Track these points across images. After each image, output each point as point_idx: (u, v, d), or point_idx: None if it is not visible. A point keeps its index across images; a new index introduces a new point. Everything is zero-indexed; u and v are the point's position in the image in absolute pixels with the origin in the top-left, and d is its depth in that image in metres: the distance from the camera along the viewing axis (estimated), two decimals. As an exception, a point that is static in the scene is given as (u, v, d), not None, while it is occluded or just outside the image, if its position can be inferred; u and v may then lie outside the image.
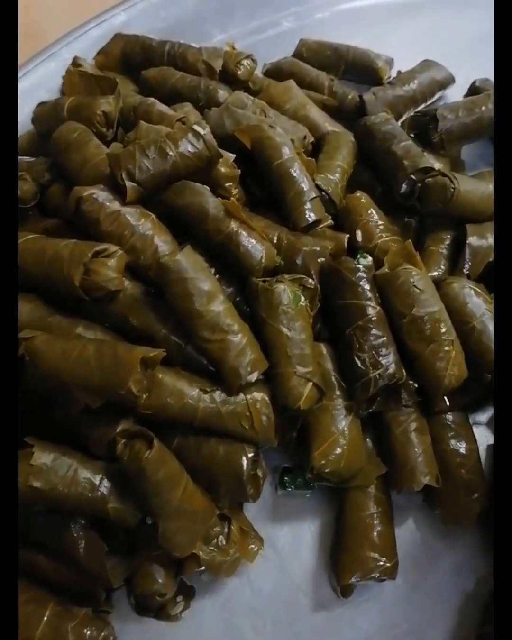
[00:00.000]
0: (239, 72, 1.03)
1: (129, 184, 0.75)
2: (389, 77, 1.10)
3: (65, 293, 0.72)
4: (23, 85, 1.11)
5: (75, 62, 1.12)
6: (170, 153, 0.76)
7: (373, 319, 0.70)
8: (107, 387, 0.63)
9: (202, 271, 0.70)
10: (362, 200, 0.84)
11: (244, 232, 0.75)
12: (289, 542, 0.72)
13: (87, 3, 1.33)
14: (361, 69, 1.10)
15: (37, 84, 1.11)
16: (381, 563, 0.65)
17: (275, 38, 1.23)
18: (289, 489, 0.72)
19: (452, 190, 0.81)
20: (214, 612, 0.69)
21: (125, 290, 0.72)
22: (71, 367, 0.64)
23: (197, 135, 0.78)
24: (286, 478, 0.73)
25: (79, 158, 0.82)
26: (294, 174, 0.82)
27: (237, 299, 0.75)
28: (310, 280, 0.74)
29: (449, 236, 0.84)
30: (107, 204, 0.74)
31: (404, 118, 1.01)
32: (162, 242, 0.75)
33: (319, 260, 0.76)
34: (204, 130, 0.79)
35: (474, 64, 1.03)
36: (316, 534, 0.72)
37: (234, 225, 0.75)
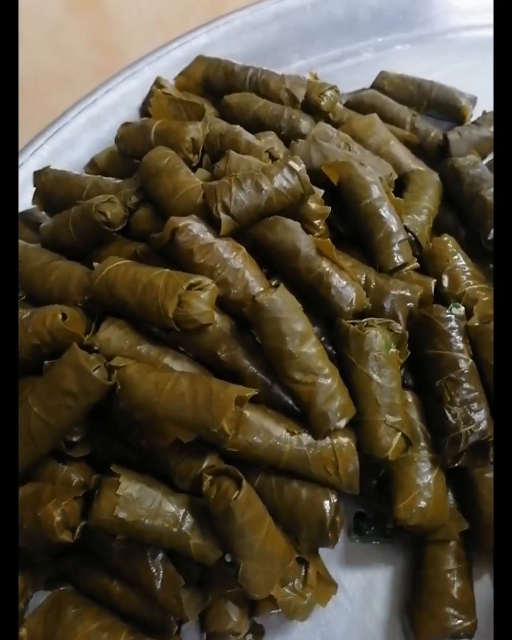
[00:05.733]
0: (322, 103, 1.04)
1: (224, 217, 0.75)
2: (471, 116, 1.09)
3: (155, 322, 0.73)
4: (105, 101, 1.13)
5: (158, 83, 1.14)
6: (266, 188, 0.77)
7: (465, 372, 0.69)
8: (201, 424, 0.63)
9: (296, 311, 0.70)
10: (448, 244, 0.84)
11: (335, 273, 0.74)
12: (361, 589, 0.71)
13: (168, 23, 1.35)
14: (443, 107, 1.10)
15: (119, 102, 1.13)
16: (461, 622, 0.64)
17: (353, 67, 1.23)
18: (365, 535, 0.72)
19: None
20: (283, 654, 0.69)
21: (214, 324, 0.72)
22: (164, 400, 0.65)
23: (292, 171, 0.78)
24: (361, 524, 0.72)
25: (169, 185, 0.82)
26: (383, 215, 0.82)
27: (323, 339, 0.75)
28: (398, 325, 0.73)
29: (537, 286, 0.83)
30: (201, 235, 0.75)
31: (487, 160, 1.01)
32: (253, 277, 0.75)
33: (408, 305, 0.76)
34: (299, 166, 0.79)
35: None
36: (388, 583, 0.71)
37: (325, 265, 0.75)
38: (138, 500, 0.64)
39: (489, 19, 1.23)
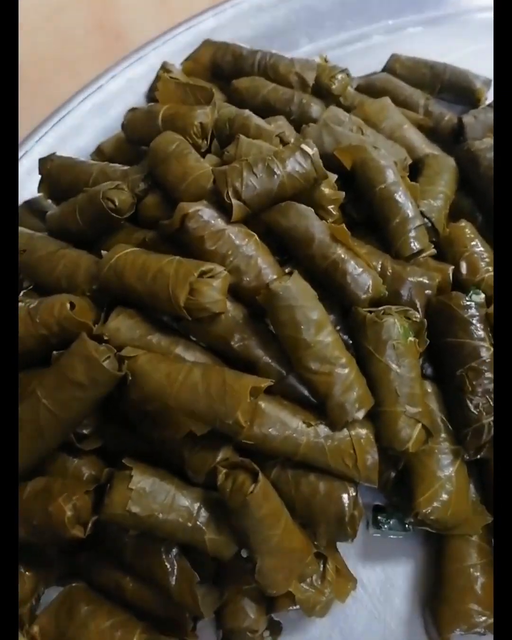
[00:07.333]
0: (333, 87, 1.01)
1: (235, 202, 0.73)
2: (486, 99, 1.06)
3: (165, 311, 0.70)
4: (110, 87, 1.10)
5: (165, 68, 1.11)
6: (278, 172, 0.74)
7: (487, 360, 0.67)
8: (214, 415, 0.61)
9: (311, 299, 0.67)
10: (466, 229, 0.81)
11: (351, 260, 0.72)
12: (381, 584, 0.69)
13: (173, 6, 1.32)
14: (457, 90, 1.06)
15: (126, 86, 1.11)
16: (485, 618, 0.62)
17: (364, 51, 1.20)
18: (384, 529, 0.70)
19: None
20: (301, 651, 0.67)
21: (227, 313, 0.70)
22: (177, 391, 0.63)
23: (305, 154, 0.76)
24: (379, 517, 0.70)
25: (179, 171, 0.80)
26: (399, 200, 0.79)
27: (338, 327, 0.73)
28: (417, 313, 0.71)
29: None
30: (212, 222, 0.72)
31: (503, 143, 0.98)
32: (266, 265, 0.72)
33: (426, 292, 0.74)
34: (312, 150, 0.76)
35: None
36: (409, 577, 0.70)
37: (340, 251, 0.73)
38: (151, 494, 0.63)
39: None
